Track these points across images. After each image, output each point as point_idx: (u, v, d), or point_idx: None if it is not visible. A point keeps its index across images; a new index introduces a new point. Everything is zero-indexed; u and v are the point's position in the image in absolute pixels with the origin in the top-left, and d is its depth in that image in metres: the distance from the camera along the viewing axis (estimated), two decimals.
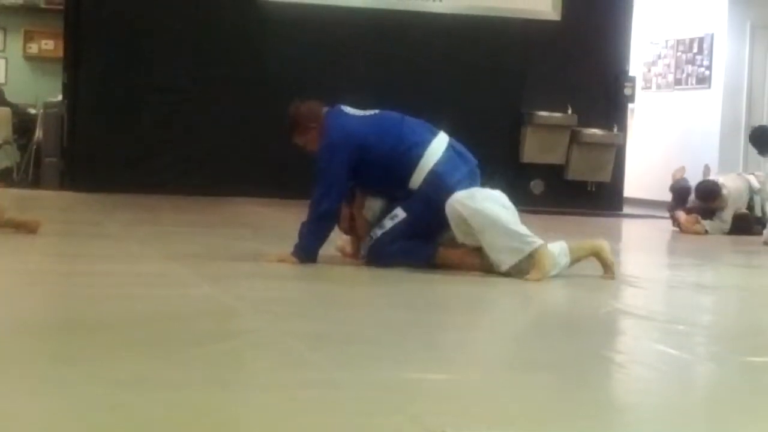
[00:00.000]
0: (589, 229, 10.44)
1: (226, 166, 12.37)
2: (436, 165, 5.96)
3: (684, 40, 15.53)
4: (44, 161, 13.52)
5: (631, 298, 5.80)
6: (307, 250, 6.01)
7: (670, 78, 15.83)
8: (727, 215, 10.62)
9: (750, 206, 10.78)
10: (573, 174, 13.54)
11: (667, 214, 11.42)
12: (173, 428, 2.62)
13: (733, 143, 14.91)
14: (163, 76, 12.41)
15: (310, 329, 4.06)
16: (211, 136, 12.45)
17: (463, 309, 5.11)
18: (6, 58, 16.16)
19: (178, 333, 3.83)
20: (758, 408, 3.14)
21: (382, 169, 6.00)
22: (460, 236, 5.84)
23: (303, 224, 6.07)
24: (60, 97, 13.07)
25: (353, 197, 6.15)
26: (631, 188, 14.54)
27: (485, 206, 5.74)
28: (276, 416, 2.76)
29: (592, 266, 6.03)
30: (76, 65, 12.54)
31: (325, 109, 6.21)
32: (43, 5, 15.86)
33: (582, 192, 13.60)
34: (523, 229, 5.77)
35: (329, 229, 6.11)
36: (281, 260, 5.98)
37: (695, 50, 15.34)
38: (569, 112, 13.39)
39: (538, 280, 5.68)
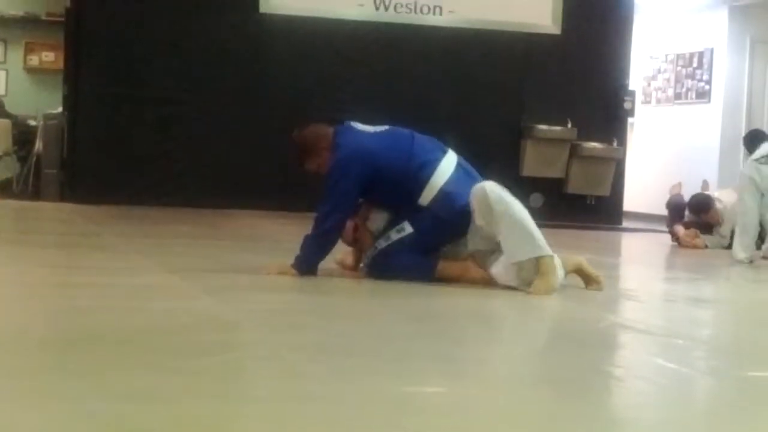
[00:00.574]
0: (589, 243, 10.44)
1: (226, 178, 12.37)
2: (446, 184, 5.97)
3: (684, 54, 15.56)
4: (44, 173, 13.52)
5: (629, 312, 5.80)
6: (307, 263, 6.01)
7: (670, 92, 15.85)
8: (726, 230, 10.62)
9: None
10: (572, 188, 13.54)
11: (666, 229, 11.42)
12: None
13: (732, 158, 14.91)
14: (164, 88, 12.42)
15: (310, 341, 4.06)
16: (212, 148, 12.46)
17: (462, 322, 5.11)
18: (6, 70, 16.18)
19: (177, 345, 3.83)
20: (757, 422, 3.14)
21: (392, 186, 6.00)
22: (479, 219, 5.82)
23: (306, 237, 6.06)
24: (60, 109, 13.08)
25: (358, 208, 6.15)
26: (630, 202, 14.54)
27: (513, 200, 5.82)
28: (275, 429, 2.76)
29: None
30: (76, 77, 12.55)
31: (330, 128, 6.20)
32: (43, 17, 15.89)
33: (581, 206, 13.60)
34: (539, 235, 5.79)
35: (332, 245, 6.10)
36: (281, 272, 5.98)
37: (695, 65, 15.36)
38: (569, 125, 13.40)
39: (543, 293, 5.67)
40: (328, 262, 6.21)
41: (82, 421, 2.72)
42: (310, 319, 4.79)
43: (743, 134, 14.92)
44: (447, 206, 5.92)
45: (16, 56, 16.15)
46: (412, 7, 12.93)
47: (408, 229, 5.98)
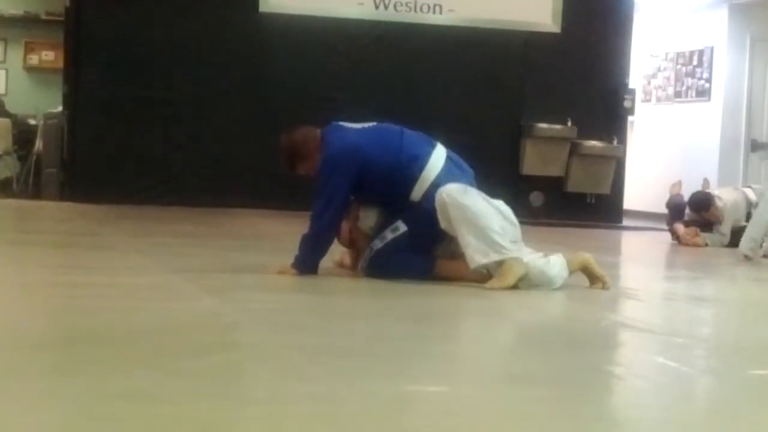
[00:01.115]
0: (589, 242, 10.44)
1: (226, 177, 12.38)
2: (437, 178, 5.96)
3: (684, 52, 15.55)
4: (44, 172, 13.53)
5: (630, 310, 5.80)
6: (307, 263, 6.01)
7: (670, 91, 15.85)
8: (726, 228, 10.62)
9: (747, 219, 10.77)
10: (572, 186, 13.54)
11: (666, 228, 11.43)
12: None
13: (732, 156, 14.92)
14: (163, 88, 12.42)
15: (310, 342, 4.05)
16: (212, 147, 12.46)
17: (461, 321, 5.11)
18: (6, 69, 16.20)
19: (177, 345, 3.82)
20: (758, 421, 3.13)
21: (383, 182, 5.99)
22: (443, 223, 5.84)
23: (303, 236, 6.07)
24: (60, 108, 13.08)
25: (350, 208, 6.15)
26: (630, 200, 14.54)
27: (471, 203, 5.76)
28: (275, 429, 2.76)
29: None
30: (76, 76, 12.55)
31: (317, 130, 6.20)
32: (43, 16, 15.90)
33: (581, 204, 13.60)
34: (497, 237, 5.75)
35: (329, 242, 6.10)
36: (281, 272, 5.98)
37: (695, 63, 15.36)
38: (569, 124, 13.40)
39: (495, 288, 5.68)
40: (328, 262, 6.21)
41: (82, 421, 2.71)
42: (311, 319, 4.79)
43: (743, 132, 14.98)
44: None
45: (15, 55, 16.16)
46: (412, 6, 12.93)
47: (402, 228, 5.98)
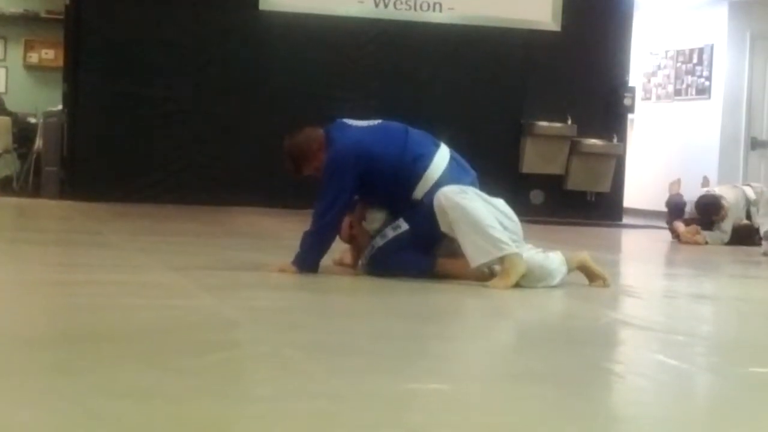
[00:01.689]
0: (589, 240, 10.44)
1: (226, 175, 12.38)
2: (440, 177, 5.95)
3: (684, 50, 15.55)
4: (44, 170, 13.54)
5: (630, 308, 5.80)
6: (308, 261, 6.01)
7: (670, 88, 15.85)
8: (727, 226, 10.63)
9: (747, 217, 10.79)
10: (573, 184, 13.55)
11: (666, 226, 11.42)
12: None
13: (732, 154, 14.93)
14: (163, 86, 12.43)
15: (310, 340, 4.05)
16: (212, 146, 12.46)
17: (462, 319, 5.11)
18: (6, 68, 16.20)
19: (177, 343, 3.82)
20: (758, 419, 3.14)
21: (387, 180, 5.98)
22: (443, 226, 5.84)
23: (305, 234, 6.06)
24: (60, 107, 13.08)
25: (353, 207, 6.14)
26: (630, 198, 14.55)
27: (468, 203, 5.76)
28: (276, 427, 2.76)
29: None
30: (76, 74, 12.56)
31: (320, 130, 6.18)
32: (43, 15, 15.90)
33: (582, 202, 13.61)
34: (497, 233, 5.75)
35: (331, 240, 6.10)
36: (282, 270, 5.98)
37: (695, 61, 15.36)
38: (569, 122, 13.41)
39: (500, 288, 5.69)
40: (328, 260, 6.21)
41: (82, 419, 2.72)
42: (311, 317, 4.79)
43: (743, 130, 14.99)
44: None
45: (15, 54, 16.16)
46: (412, 4, 12.94)
47: (404, 226, 5.97)
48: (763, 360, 4.24)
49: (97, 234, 8.57)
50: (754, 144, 15.05)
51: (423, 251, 6.00)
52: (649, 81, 16.18)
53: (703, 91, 15.22)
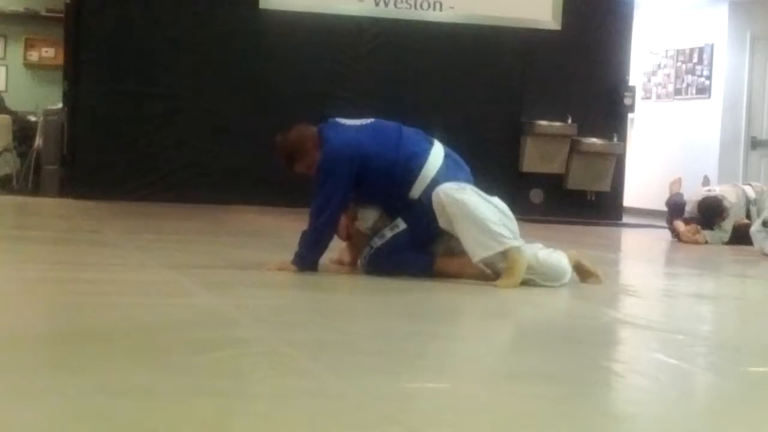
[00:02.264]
0: (589, 239, 10.44)
1: (226, 174, 12.37)
2: (437, 175, 5.95)
3: (684, 50, 15.55)
4: (44, 168, 13.53)
5: (629, 307, 5.80)
6: (307, 259, 6.01)
7: (670, 88, 15.85)
8: (728, 225, 10.62)
9: (747, 216, 10.78)
10: (573, 183, 13.54)
11: (666, 225, 11.42)
12: None
13: (732, 153, 14.93)
14: (163, 84, 12.43)
15: (310, 338, 4.05)
16: (211, 144, 12.46)
17: (461, 318, 5.11)
18: (6, 66, 16.19)
19: (177, 342, 3.82)
20: (758, 418, 3.13)
21: (382, 179, 5.98)
22: (442, 223, 5.84)
23: (303, 233, 6.06)
24: (60, 105, 13.08)
25: (349, 205, 6.14)
26: (630, 198, 14.55)
27: (467, 199, 5.75)
28: (274, 426, 2.75)
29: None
30: (76, 73, 12.55)
31: (314, 128, 6.18)
32: (43, 13, 15.89)
33: (582, 201, 13.60)
34: (497, 227, 5.75)
35: (329, 239, 6.09)
36: (281, 269, 5.98)
37: (695, 60, 15.35)
38: (569, 121, 13.40)
39: (508, 287, 5.69)
40: (326, 260, 6.20)
41: (81, 417, 2.71)
42: (310, 315, 4.79)
43: (743, 129, 14.99)
44: None
45: (16, 52, 16.15)
46: (412, 3, 12.93)
47: (402, 225, 5.97)
48: (763, 359, 4.23)
49: (96, 232, 8.57)
50: (754, 143, 15.05)
51: (421, 250, 6.00)
52: (649, 80, 16.18)
53: (703, 91, 15.22)
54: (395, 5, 12.90)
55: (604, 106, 13.71)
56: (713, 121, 15.01)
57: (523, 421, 2.94)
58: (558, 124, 13.40)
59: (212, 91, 12.49)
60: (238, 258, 6.72)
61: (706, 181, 12.14)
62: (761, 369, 3.97)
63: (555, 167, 13.44)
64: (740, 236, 10.53)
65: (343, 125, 6.18)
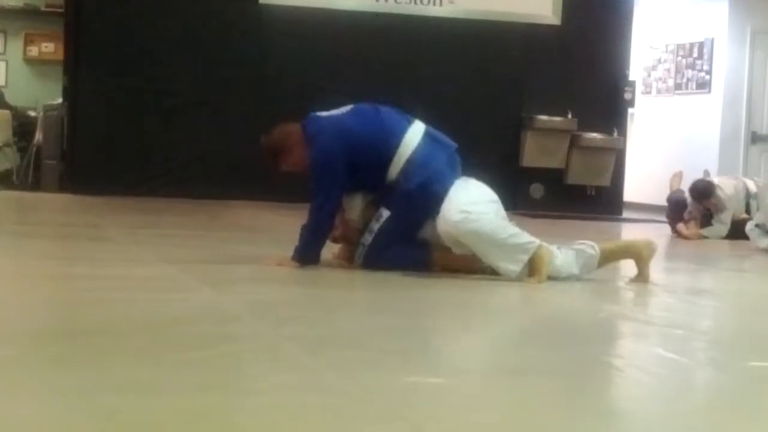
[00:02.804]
0: (589, 234, 10.41)
1: (226, 169, 12.36)
2: (413, 153, 5.96)
3: (684, 44, 15.54)
4: (44, 164, 13.52)
5: (630, 302, 5.80)
6: (306, 254, 6.01)
7: (670, 83, 15.84)
8: (726, 217, 10.60)
9: (746, 210, 10.76)
10: (573, 178, 13.54)
11: (666, 220, 11.41)
12: None
13: (732, 148, 14.91)
14: (164, 79, 12.42)
15: (309, 334, 4.05)
16: (211, 140, 12.45)
17: (462, 313, 5.11)
18: (6, 61, 16.17)
19: (176, 337, 3.82)
20: (758, 413, 3.13)
21: (366, 158, 5.97)
22: (456, 250, 5.86)
23: (303, 228, 6.06)
24: (60, 100, 13.07)
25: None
26: (630, 192, 14.54)
27: (477, 225, 5.73)
28: (275, 421, 2.75)
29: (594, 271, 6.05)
30: (76, 68, 12.54)
31: (296, 124, 6.19)
32: (43, 8, 15.87)
33: (582, 196, 13.59)
34: (516, 238, 5.77)
35: (329, 232, 6.10)
36: (281, 264, 5.98)
37: (695, 55, 15.34)
38: (569, 116, 13.39)
39: (536, 283, 5.73)
40: (327, 254, 6.20)
41: (82, 413, 2.71)
42: (310, 311, 4.79)
43: (743, 124, 14.97)
44: (415, 176, 5.90)
45: (16, 47, 16.14)
46: None
47: (385, 213, 5.97)
48: (763, 354, 4.24)
49: (96, 227, 8.57)
50: (755, 138, 15.04)
51: (412, 241, 6.00)
52: (649, 75, 16.16)
53: (704, 86, 15.21)
54: (395, 0, 12.89)
55: (604, 101, 13.70)
56: (713, 115, 15.00)
57: (523, 416, 2.95)
58: (558, 118, 13.39)
59: (212, 86, 12.48)
60: (237, 253, 6.72)
61: (706, 176, 12.12)
62: (761, 364, 3.98)
63: (555, 162, 13.43)
64: (739, 231, 10.52)
65: (324, 117, 6.19)
